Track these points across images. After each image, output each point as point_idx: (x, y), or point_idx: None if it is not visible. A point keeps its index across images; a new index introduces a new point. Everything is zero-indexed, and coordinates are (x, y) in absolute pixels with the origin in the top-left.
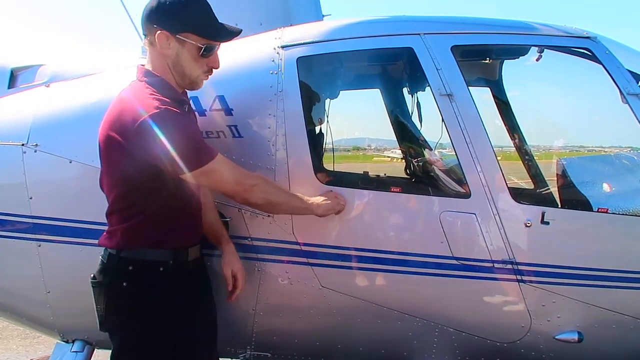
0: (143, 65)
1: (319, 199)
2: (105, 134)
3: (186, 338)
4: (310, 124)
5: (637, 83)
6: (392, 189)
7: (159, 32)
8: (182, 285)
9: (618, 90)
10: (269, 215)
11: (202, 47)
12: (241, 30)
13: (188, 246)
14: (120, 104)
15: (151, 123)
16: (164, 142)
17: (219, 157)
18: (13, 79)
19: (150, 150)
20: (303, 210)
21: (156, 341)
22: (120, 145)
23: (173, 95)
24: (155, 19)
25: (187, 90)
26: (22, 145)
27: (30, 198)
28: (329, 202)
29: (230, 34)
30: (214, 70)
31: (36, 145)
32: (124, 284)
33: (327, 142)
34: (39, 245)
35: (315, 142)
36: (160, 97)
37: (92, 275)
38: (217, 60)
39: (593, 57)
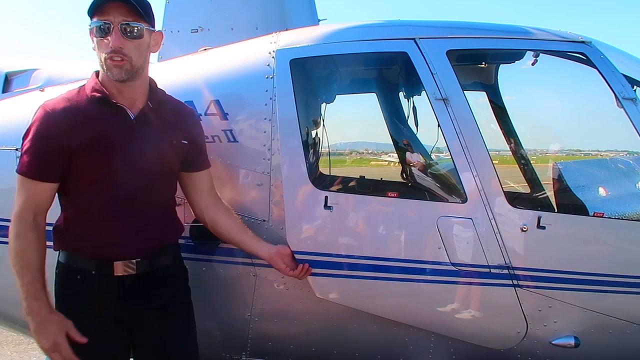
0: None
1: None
2: None
3: (142, 351)
4: (306, 128)
5: (632, 87)
6: (388, 194)
7: None
8: (115, 297)
9: (613, 95)
10: (263, 220)
11: (91, 27)
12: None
13: (114, 259)
14: None
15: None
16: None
17: (25, 179)
18: (7, 83)
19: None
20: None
21: (81, 349)
22: None
23: (95, 93)
24: None
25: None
26: (16, 149)
27: None
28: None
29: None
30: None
31: None
32: (54, 286)
33: (324, 146)
34: None
35: (311, 146)
36: (65, 96)
37: None
38: (113, 38)
39: (588, 62)
